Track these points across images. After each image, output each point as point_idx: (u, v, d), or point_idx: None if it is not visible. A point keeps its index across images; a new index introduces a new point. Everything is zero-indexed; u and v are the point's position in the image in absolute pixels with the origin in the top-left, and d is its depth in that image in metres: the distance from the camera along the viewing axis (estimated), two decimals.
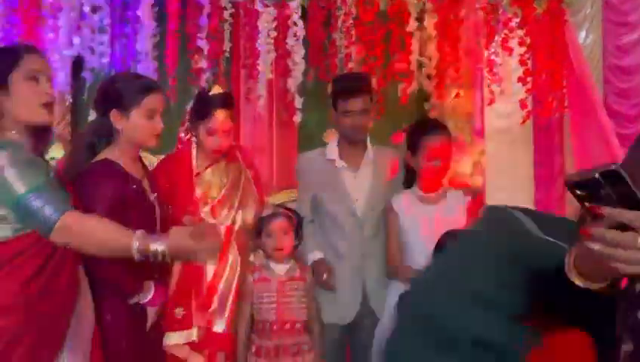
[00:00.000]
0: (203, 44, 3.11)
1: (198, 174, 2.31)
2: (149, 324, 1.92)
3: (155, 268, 1.91)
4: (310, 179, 2.54)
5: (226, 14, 3.18)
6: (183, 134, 2.41)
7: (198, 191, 2.27)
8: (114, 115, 1.92)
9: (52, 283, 1.61)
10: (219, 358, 2.24)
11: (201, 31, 3.11)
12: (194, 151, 2.32)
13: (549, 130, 3.84)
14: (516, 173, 4.08)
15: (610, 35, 3.18)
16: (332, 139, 2.63)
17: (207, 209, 2.27)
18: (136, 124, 1.91)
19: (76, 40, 3.02)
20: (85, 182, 1.85)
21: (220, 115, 2.25)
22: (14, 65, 1.61)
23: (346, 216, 2.46)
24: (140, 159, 2.06)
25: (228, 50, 3.17)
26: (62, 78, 2.99)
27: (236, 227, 2.32)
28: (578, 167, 3.64)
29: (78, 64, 3.13)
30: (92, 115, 2.30)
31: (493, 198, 3.58)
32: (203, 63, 3.11)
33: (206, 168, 2.33)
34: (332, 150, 2.56)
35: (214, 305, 2.23)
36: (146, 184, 2.00)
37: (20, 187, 1.54)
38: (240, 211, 2.33)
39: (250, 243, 2.38)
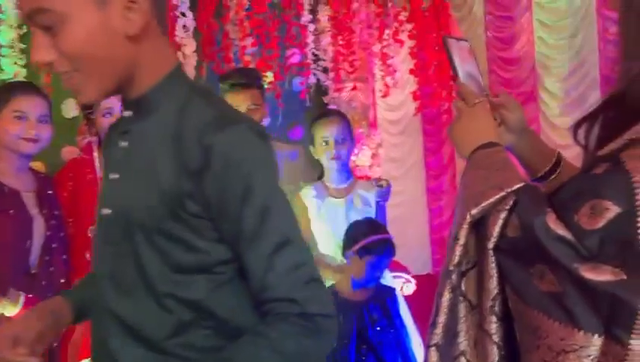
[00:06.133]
0: None
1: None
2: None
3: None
4: None
5: None
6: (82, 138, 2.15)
7: None
8: None
9: None
10: None
11: None
12: (96, 153, 2.07)
13: (438, 120, 4.00)
14: (408, 163, 4.22)
15: (492, 28, 3.37)
16: None
17: None
18: (3, 125, 1.82)
19: None
20: None
21: None
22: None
23: None
24: (34, 171, 1.95)
25: None
26: None
27: None
28: None
29: None
30: None
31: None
32: None
33: None
34: None
35: None
36: (29, 197, 1.85)
37: None
38: None
39: None
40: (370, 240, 2.06)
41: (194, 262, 0.79)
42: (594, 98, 2.97)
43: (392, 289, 2.00)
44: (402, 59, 3.67)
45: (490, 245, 0.70)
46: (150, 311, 0.80)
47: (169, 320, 0.79)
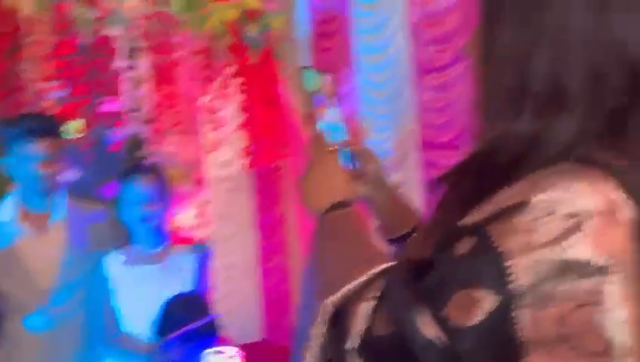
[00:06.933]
0: None
1: None
2: None
3: None
4: None
5: None
6: None
7: None
8: None
9: None
10: None
11: None
12: None
13: (270, 178, 3.92)
14: (239, 221, 4.07)
15: None
16: (9, 197, 2.09)
17: None
18: None
19: None
20: None
21: None
22: None
23: (27, 295, 1.98)
24: None
25: None
26: None
27: None
28: (297, 213, 3.77)
29: None
30: None
31: (219, 248, 3.45)
32: None
33: None
34: (7, 210, 2.03)
35: None
36: None
37: None
38: None
39: None
40: (195, 326, 1.86)
41: None
42: (415, 157, 3.13)
43: None
44: (232, 114, 3.56)
45: (349, 345, 0.54)
46: None
47: None
